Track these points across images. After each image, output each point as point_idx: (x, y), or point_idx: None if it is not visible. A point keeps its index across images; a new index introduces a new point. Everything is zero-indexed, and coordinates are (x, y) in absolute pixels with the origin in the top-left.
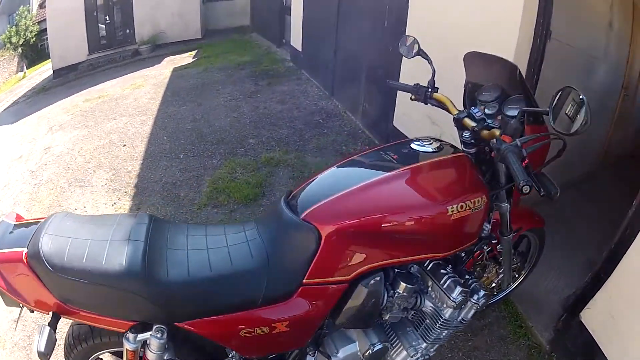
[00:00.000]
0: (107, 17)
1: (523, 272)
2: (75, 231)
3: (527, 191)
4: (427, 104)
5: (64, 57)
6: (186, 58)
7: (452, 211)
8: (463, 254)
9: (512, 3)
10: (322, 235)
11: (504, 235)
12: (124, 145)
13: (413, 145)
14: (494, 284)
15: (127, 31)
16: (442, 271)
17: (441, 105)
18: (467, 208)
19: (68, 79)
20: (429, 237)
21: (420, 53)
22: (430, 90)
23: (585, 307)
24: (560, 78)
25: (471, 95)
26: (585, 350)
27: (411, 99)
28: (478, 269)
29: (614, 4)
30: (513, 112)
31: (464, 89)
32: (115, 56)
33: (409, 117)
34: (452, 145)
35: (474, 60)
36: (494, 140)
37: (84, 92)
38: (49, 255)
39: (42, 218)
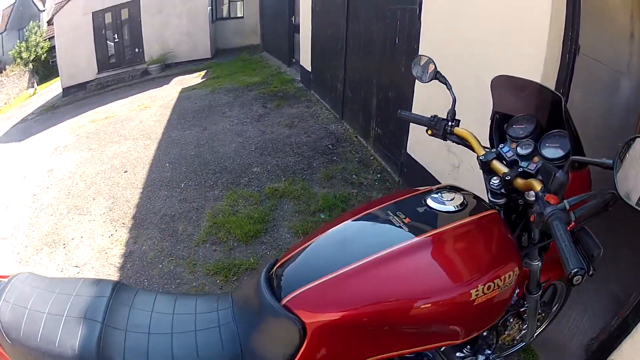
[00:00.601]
0: (116, 36)
1: (547, 320)
2: (33, 300)
3: (579, 282)
4: (446, 140)
5: (73, 75)
6: (195, 78)
7: (477, 294)
8: (485, 332)
9: (539, 15)
10: (307, 328)
11: (531, 293)
12: (125, 172)
13: (430, 202)
14: (515, 340)
15: (136, 50)
16: (459, 354)
17: (463, 142)
18: (496, 287)
19: (77, 98)
20: (444, 325)
21: (438, 76)
22: (450, 123)
23: (611, 357)
24: (588, 97)
25: (499, 129)
26: None
27: (428, 133)
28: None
29: (634, 13)
30: (553, 154)
31: (490, 121)
32: (124, 75)
33: (424, 144)
34: (475, 197)
35: (503, 85)
36: (534, 197)
37: (92, 112)
38: (7, 327)
39: (5, 277)
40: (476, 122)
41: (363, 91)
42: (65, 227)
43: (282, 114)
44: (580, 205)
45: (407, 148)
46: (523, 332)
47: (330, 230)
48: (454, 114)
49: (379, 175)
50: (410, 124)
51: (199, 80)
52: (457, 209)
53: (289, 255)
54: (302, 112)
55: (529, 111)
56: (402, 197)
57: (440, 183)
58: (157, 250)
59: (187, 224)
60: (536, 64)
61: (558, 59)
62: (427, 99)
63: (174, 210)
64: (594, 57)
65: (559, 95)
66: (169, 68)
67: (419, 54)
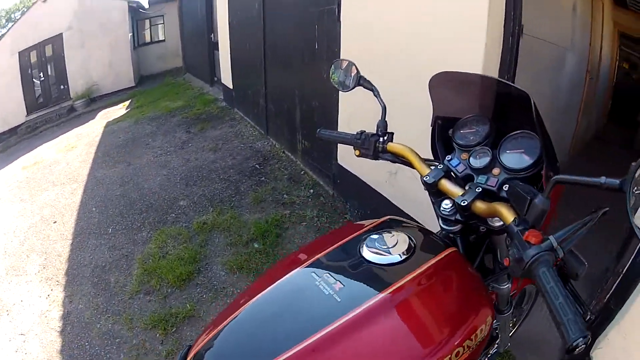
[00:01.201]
0: (42, 74)
1: (519, 322)
2: None
3: (581, 351)
4: (378, 159)
5: (4, 120)
6: (119, 110)
7: None
8: None
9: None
10: None
11: (502, 313)
12: (55, 222)
13: (366, 253)
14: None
15: (62, 87)
16: None
17: (401, 160)
18: (467, 349)
19: (9, 144)
20: None
21: (362, 82)
22: (382, 139)
23: (597, 346)
24: (534, 78)
25: (444, 137)
26: None
27: (356, 154)
28: None
29: None
30: (517, 162)
31: (431, 128)
32: (51, 115)
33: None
34: (423, 230)
35: (444, 84)
36: (500, 223)
37: (23, 158)
38: None
39: None
40: (416, 132)
41: (286, 104)
42: (5, 291)
43: (206, 138)
44: (568, 237)
45: (338, 158)
46: (496, 346)
47: (248, 303)
48: (385, 126)
49: (311, 191)
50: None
51: (124, 112)
52: (402, 257)
53: (202, 343)
54: (226, 132)
55: (479, 111)
56: (331, 249)
57: (376, 192)
58: (92, 307)
59: (119, 274)
60: (477, 49)
61: (500, 42)
62: (354, 106)
63: (104, 260)
64: (538, 36)
65: (522, 90)
66: (94, 102)
67: (339, 58)
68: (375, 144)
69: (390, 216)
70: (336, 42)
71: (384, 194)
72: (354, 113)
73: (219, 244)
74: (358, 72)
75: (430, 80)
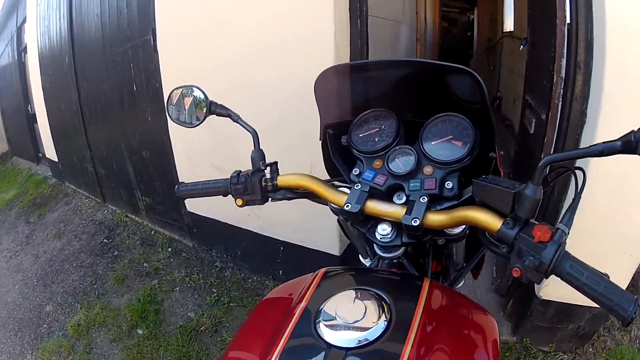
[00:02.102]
0: None
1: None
2: None
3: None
4: (267, 200)
5: None
6: None
7: None
8: None
9: None
10: None
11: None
12: None
13: (327, 334)
14: None
15: None
16: None
17: (300, 193)
18: None
19: None
20: None
21: (214, 109)
22: (267, 174)
23: (539, 294)
24: (382, 54)
25: (339, 149)
26: (561, 317)
27: (238, 204)
28: None
29: None
30: (451, 152)
31: (321, 142)
32: None
33: None
34: (370, 272)
35: (333, 84)
36: (462, 229)
37: None
38: None
39: None
40: (304, 152)
41: (115, 162)
42: None
43: (47, 224)
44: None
45: (187, 206)
46: None
47: None
48: (263, 156)
49: (169, 250)
50: (179, 177)
51: None
52: (386, 321)
53: None
54: (64, 212)
55: (378, 105)
56: (280, 347)
57: (240, 229)
58: None
59: None
60: (327, 37)
61: (348, 26)
62: (191, 143)
63: None
64: (380, 16)
65: (470, 70)
66: None
67: (176, 88)
68: (261, 183)
69: (327, 267)
70: (155, 76)
71: (250, 228)
72: (194, 152)
73: (103, 344)
74: (206, 97)
75: (316, 82)
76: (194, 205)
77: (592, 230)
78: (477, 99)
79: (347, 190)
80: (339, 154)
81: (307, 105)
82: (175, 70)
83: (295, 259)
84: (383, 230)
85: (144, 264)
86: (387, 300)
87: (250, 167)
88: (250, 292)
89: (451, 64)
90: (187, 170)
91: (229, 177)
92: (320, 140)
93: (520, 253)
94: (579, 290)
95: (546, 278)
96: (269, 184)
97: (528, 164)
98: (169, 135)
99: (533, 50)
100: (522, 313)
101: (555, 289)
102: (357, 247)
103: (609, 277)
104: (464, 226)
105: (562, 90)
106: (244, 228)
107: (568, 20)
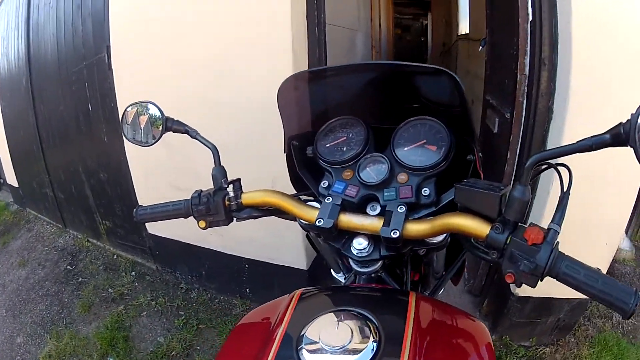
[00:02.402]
0: None
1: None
2: None
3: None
4: (231, 221)
5: None
6: None
7: None
8: None
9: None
10: None
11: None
12: None
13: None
14: None
15: None
16: None
17: (266, 211)
18: None
19: None
20: None
21: (170, 125)
22: (230, 192)
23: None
24: (339, 61)
25: (305, 162)
26: (540, 311)
27: (201, 227)
28: None
29: None
30: (426, 158)
31: (286, 155)
32: None
33: None
34: (347, 290)
35: (296, 92)
36: (443, 238)
37: None
38: None
39: None
40: (265, 167)
41: (73, 185)
42: None
43: (11, 253)
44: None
45: (148, 229)
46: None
47: None
48: (225, 173)
49: (133, 274)
50: (137, 198)
51: None
52: (375, 342)
53: None
54: (27, 239)
55: (346, 112)
56: None
57: (204, 249)
58: None
59: None
60: (285, 45)
61: (305, 34)
62: (149, 163)
63: None
64: (337, 24)
65: (446, 70)
66: None
67: (131, 104)
68: (224, 203)
69: (303, 289)
70: (110, 95)
71: (213, 247)
72: (152, 172)
73: None
74: (162, 113)
75: (278, 91)
76: (154, 227)
77: (567, 221)
78: (451, 100)
79: (317, 205)
80: (305, 167)
81: (267, 117)
82: (131, 88)
83: (262, 276)
84: (359, 244)
85: (109, 290)
86: (373, 319)
87: (212, 186)
88: (218, 313)
89: (426, 65)
90: (146, 192)
91: (189, 197)
92: (284, 152)
93: (512, 258)
94: (577, 290)
95: (541, 281)
96: (233, 202)
97: (493, 164)
98: (125, 155)
99: (493, 51)
100: (499, 311)
101: None
102: (329, 263)
103: (600, 271)
104: (443, 237)
105: (526, 88)
106: (207, 247)
107: (530, 18)
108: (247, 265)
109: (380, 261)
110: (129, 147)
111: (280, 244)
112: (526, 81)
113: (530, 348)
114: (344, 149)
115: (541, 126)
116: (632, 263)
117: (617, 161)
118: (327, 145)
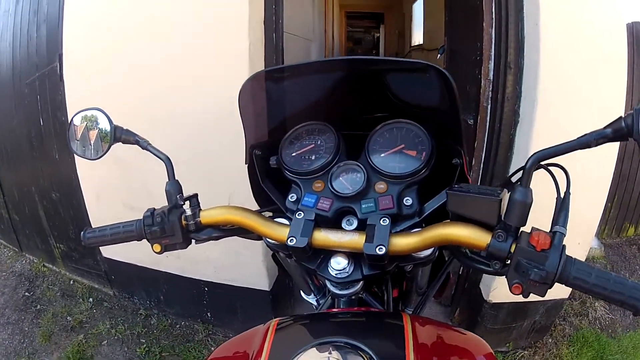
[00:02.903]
0: None
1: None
2: None
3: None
4: (189, 243)
5: None
6: None
7: None
8: None
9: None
10: None
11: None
12: None
13: None
14: None
15: None
16: None
17: (228, 231)
18: None
19: None
20: None
21: (119, 135)
22: (187, 210)
23: (488, 299)
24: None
25: (269, 173)
26: (515, 316)
27: (156, 251)
28: None
29: None
30: (406, 165)
31: (247, 166)
32: None
33: None
34: (329, 318)
35: (259, 95)
36: (430, 254)
37: None
38: None
39: None
40: (220, 181)
41: (27, 206)
42: None
43: None
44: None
45: (102, 252)
46: None
47: None
48: (180, 188)
49: (91, 300)
50: (90, 219)
51: None
52: None
53: None
54: None
55: (312, 116)
56: None
57: (160, 272)
58: None
59: None
60: (241, 53)
61: (262, 41)
62: (100, 179)
63: None
64: (293, 33)
65: (435, 65)
66: None
67: (76, 113)
68: (181, 222)
69: (278, 319)
70: (62, 108)
71: (169, 271)
72: (103, 190)
73: None
74: (111, 122)
75: (239, 95)
76: (109, 250)
77: (538, 223)
78: (439, 101)
79: (286, 222)
80: (270, 179)
81: (223, 127)
82: (82, 100)
83: (222, 299)
84: (338, 264)
85: (68, 318)
86: (366, 349)
87: (166, 203)
88: (180, 339)
89: (411, 60)
90: (99, 212)
91: (142, 217)
92: (246, 163)
93: (519, 267)
94: (588, 293)
95: (550, 288)
96: (191, 222)
97: None
98: (76, 172)
99: (452, 58)
100: (472, 319)
101: (505, 292)
102: (299, 284)
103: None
104: (431, 250)
105: (490, 93)
106: (164, 271)
107: (494, 22)
108: (206, 288)
109: (361, 281)
110: (80, 164)
111: (238, 264)
112: (490, 86)
113: (507, 353)
114: (313, 157)
115: (507, 130)
116: (602, 260)
117: (588, 161)
118: (293, 154)
